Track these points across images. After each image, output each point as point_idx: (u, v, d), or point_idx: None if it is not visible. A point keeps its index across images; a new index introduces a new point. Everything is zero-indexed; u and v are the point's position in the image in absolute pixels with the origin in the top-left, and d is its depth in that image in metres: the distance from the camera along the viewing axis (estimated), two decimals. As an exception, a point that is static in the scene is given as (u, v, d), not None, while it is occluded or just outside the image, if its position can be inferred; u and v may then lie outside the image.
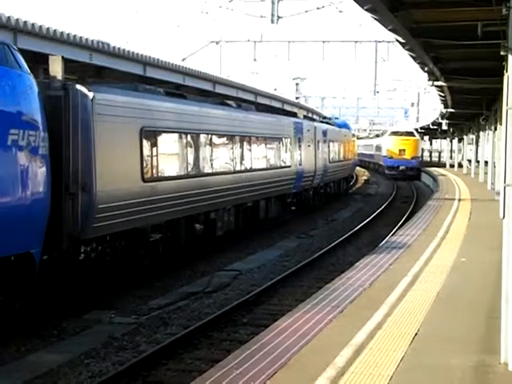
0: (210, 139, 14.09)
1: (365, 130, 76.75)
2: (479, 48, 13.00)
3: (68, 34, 12.30)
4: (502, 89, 6.38)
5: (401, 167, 43.53)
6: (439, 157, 64.40)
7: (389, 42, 26.76)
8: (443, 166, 49.61)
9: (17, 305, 8.23)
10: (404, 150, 43.65)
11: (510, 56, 5.52)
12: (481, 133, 31.79)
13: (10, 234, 7.60)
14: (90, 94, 9.55)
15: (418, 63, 17.74)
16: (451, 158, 59.47)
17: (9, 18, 10.71)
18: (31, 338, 8.36)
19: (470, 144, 44.01)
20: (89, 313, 9.59)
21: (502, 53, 6.38)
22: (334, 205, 26.14)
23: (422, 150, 53.81)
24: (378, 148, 48.72)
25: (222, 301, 10.48)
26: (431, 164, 53.03)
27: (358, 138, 63.00)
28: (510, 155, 5.38)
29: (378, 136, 54.98)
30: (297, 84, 46.80)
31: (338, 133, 29.73)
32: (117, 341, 8.39)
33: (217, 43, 27.78)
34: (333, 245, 15.74)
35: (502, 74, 6.56)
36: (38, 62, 11.12)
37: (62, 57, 9.89)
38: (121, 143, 10.48)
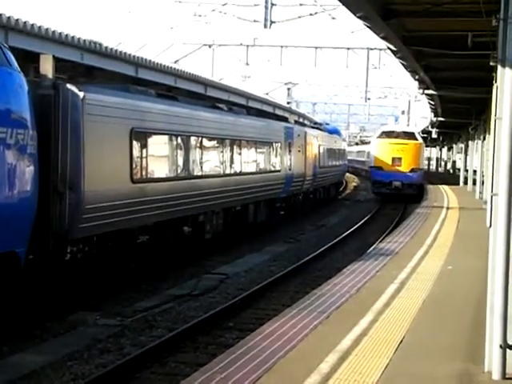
0: (201, 142, 14.07)
1: (355, 137, 76.90)
2: (469, 58, 13.13)
3: (60, 33, 12.25)
4: (490, 99, 6.43)
5: (394, 183, 29.69)
6: (428, 165, 64.62)
7: (381, 49, 26.87)
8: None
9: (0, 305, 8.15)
10: (400, 159, 29.90)
11: (499, 67, 5.55)
12: (470, 142, 31.99)
13: (-5, 232, 7.54)
14: (81, 94, 9.50)
15: (409, 71, 17.87)
16: (440, 165, 59.78)
17: (0, 15, 10.65)
18: (14, 339, 8.28)
19: (459, 153, 44.07)
20: (73, 314, 9.52)
21: (491, 63, 6.42)
22: (323, 210, 26.17)
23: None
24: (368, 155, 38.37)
25: (209, 304, 10.45)
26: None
27: (363, 143, 61.32)
28: (498, 165, 5.41)
29: None
30: (288, 89, 46.82)
31: (329, 138, 29.82)
32: (101, 343, 8.33)
33: (209, 46, 27.77)
34: (320, 250, 15.75)
35: (492, 85, 6.61)
36: (28, 60, 11.05)
37: (53, 56, 9.84)
38: (110, 144, 10.44)
